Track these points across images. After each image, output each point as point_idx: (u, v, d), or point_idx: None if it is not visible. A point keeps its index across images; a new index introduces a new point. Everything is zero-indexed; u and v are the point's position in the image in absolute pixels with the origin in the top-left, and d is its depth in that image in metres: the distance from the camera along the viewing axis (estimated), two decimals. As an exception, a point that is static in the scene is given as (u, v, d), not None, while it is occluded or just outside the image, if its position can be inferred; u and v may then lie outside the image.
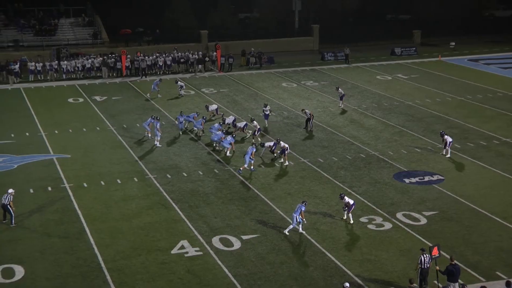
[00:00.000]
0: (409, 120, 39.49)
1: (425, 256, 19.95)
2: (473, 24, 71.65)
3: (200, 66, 54.30)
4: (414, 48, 62.56)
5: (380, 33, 67.60)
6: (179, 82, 46.93)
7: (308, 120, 37.70)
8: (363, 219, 25.75)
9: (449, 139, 32.88)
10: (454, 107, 42.64)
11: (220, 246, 23.57)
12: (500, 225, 25.16)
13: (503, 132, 36.64)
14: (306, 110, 38.30)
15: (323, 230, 24.90)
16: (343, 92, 42.99)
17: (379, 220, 25.68)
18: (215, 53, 55.33)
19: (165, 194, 28.43)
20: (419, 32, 67.96)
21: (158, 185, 29.44)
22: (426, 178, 30.01)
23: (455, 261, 19.86)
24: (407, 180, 29.80)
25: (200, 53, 55.52)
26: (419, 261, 20.10)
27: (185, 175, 30.74)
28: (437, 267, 19.86)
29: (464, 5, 73.23)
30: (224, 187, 29.23)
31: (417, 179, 29.97)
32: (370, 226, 25.14)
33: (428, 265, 19.89)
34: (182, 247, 23.44)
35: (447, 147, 32.82)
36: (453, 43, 63.87)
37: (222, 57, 54.99)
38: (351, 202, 25.51)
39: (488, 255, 22.72)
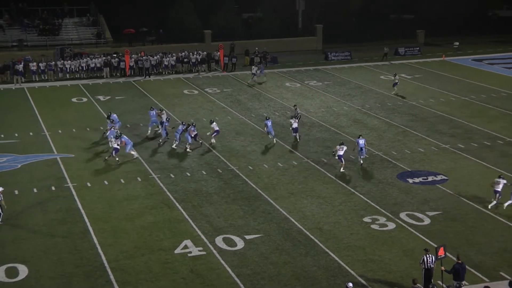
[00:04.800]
0: (412, 120, 39.44)
1: (428, 256, 19.91)
2: (477, 24, 71.50)
3: (203, 66, 54.34)
4: (417, 48, 62.46)
5: (384, 33, 67.49)
6: (253, 68, 49.93)
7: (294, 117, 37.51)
8: (366, 219, 25.73)
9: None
10: (458, 107, 42.58)
11: (223, 246, 23.58)
12: (504, 225, 25.12)
13: (507, 132, 36.55)
14: (298, 109, 38.00)
15: (326, 230, 24.89)
16: (397, 80, 45.76)
17: (382, 220, 25.66)
18: (218, 53, 55.38)
19: (168, 193, 28.45)
20: (422, 32, 67.87)
21: (161, 184, 29.46)
22: (430, 178, 29.97)
23: (461, 260, 19.84)
24: (410, 180, 29.76)
25: (205, 53, 55.54)
26: (421, 261, 20.08)
27: (189, 174, 30.75)
28: (443, 268, 19.82)
29: (467, 5, 73.05)
30: (228, 187, 29.24)
31: (420, 179, 29.93)
32: (373, 226, 25.11)
33: (432, 265, 19.86)
34: (186, 247, 23.45)
35: None
36: (457, 43, 63.75)
37: (225, 57, 55.02)
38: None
39: (491, 255, 22.68)
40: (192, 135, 34.16)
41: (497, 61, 57.93)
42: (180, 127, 34.65)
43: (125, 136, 33.03)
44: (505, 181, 26.63)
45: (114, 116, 36.37)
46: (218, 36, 62.15)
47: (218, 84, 49.94)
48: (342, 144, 31.30)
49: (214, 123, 35.33)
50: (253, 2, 73.87)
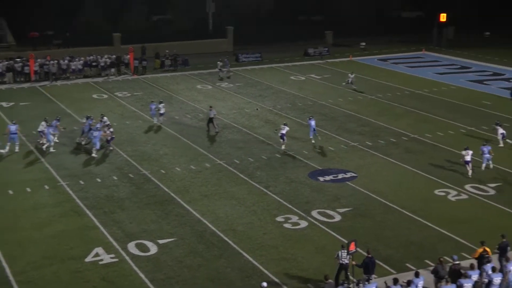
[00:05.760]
0: (322, 120, 40.14)
1: (343, 251, 20.32)
2: (382, 25, 73.75)
3: (113, 69, 53.39)
4: (326, 49, 63.62)
5: (293, 34, 68.49)
6: (218, 63, 52.15)
7: (211, 119, 37.61)
8: (279, 218, 25.99)
9: (501, 130, 34.37)
10: (366, 105, 43.74)
11: (136, 251, 23.22)
12: (410, 218, 26.00)
13: (412, 129, 37.87)
14: (213, 110, 38.13)
15: (240, 231, 24.97)
16: (350, 79, 47.62)
17: (295, 218, 25.99)
18: (128, 56, 54.55)
19: (78, 201, 27.74)
20: (330, 33, 69.28)
21: (70, 192, 28.67)
22: (340, 176, 30.62)
23: (371, 254, 20.38)
24: (321, 179, 30.30)
25: (114, 56, 54.59)
26: (335, 256, 20.47)
27: (99, 180, 30.11)
28: (354, 262, 20.30)
29: (373, 6, 75.26)
30: (140, 192, 28.82)
31: (331, 177, 30.53)
32: (286, 225, 25.40)
33: (347, 261, 20.27)
34: (97, 255, 22.93)
35: (501, 139, 34.36)
36: (363, 43, 65.50)
37: (135, 60, 54.27)
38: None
39: (398, 248, 23.43)
40: (109, 138, 34.09)
41: (401, 60, 59.91)
42: (87, 123, 34.84)
43: (12, 127, 33.64)
44: (470, 151, 30.22)
45: (11, 126, 34.53)
46: (127, 39, 61.13)
47: (128, 87, 49.18)
48: (285, 124, 34.74)
49: (105, 118, 36.02)
50: (163, 5, 73.30)
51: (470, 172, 30.16)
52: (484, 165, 30.87)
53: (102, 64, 53.17)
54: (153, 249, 23.43)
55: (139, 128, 38.41)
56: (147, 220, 25.85)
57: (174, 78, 52.70)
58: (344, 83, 48.20)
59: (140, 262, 22.48)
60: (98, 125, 34.62)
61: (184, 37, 64.41)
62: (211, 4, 69.76)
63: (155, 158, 33.31)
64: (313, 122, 35.35)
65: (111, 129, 34.60)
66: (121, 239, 24.13)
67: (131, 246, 23.58)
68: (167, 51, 57.17)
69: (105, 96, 46.58)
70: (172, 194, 28.54)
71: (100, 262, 22.40)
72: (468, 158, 30.09)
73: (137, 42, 59.59)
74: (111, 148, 34.24)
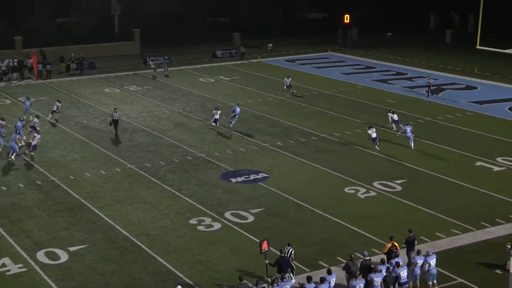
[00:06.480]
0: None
1: (287, 247, 20.67)
2: (288, 26, 74.95)
3: (15, 74, 51.55)
4: (234, 50, 64.09)
5: (201, 36, 68.48)
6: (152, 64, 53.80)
7: (115, 122, 37.10)
8: (192, 221, 25.94)
9: (395, 117, 36.82)
10: (275, 106, 44.31)
11: (45, 260, 22.58)
12: (321, 217, 26.56)
13: (321, 129, 38.69)
14: (117, 112, 37.53)
15: (153, 235, 24.75)
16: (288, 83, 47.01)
17: (208, 221, 26.01)
18: (30, 60, 52.84)
19: (-18, 211, 26.68)
20: (238, 35, 69.74)
21: (-27, 201, 27.53)
22: (252, 177, 30.88)
23: (284, 254, 20.67)
24: (233, 180, 30.46)
25: (16, 60, 52.76)
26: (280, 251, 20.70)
27: (4, 188, 29.05)
28: (267, 261, 20.50)
29: (279, 8, 76.28)
30: (48, 199, 28.02)
31: (243, 178, 30.75)
32: (199, 228, 25.38)
33: (288, 255, 20.50)
34: (3, 265, 22.14)
35: (395, 125, 36.90)
36: (271, 45, 66.35)
37: (39, 64, 52.63)
38: None
39: (311, 247, 23.88)
40: (34, 143, 32.89)
41: (308, 61, 61.09)
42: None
43: None
44: (374, 129, 34.10)
45: None
46: (30, 43, 59.14)
47: (32, 92, 47.56)
48: (217, 109, 38.15)
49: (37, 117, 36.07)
50: (67, 7, 71.45)
51: (377, 147, 33.84)
52: (412, 143, 33.99)
53: (4, 68, 51.30)
54: (64, 257, 22.85)
55: (46, 134, 37.23)
56: (57, 228, 25.17)
57: (80, 82, 51.53)
58: (293, 92, 47.21)
59: (50, 270, 21.88)
60: (19, 123, 33.33)
61: (89, 40, 63.01)
62: (116, 6, 68.60)
63: (63, 164, 32.47)
64: (238, 109, 38.34)
65: (39, 135, 33.45)
66: (30, 248, 23.39)
67: (40, 255, 22.91)
68: (72, 54, 55.84)
69: (8, 101, 44.95)
70: (83, 200, 27.92)
71: (8, 273, 21.64)
72: (374, 135, 33.85)
73: (40, 45, 57.86)
74: (23, 154, 33.01)
